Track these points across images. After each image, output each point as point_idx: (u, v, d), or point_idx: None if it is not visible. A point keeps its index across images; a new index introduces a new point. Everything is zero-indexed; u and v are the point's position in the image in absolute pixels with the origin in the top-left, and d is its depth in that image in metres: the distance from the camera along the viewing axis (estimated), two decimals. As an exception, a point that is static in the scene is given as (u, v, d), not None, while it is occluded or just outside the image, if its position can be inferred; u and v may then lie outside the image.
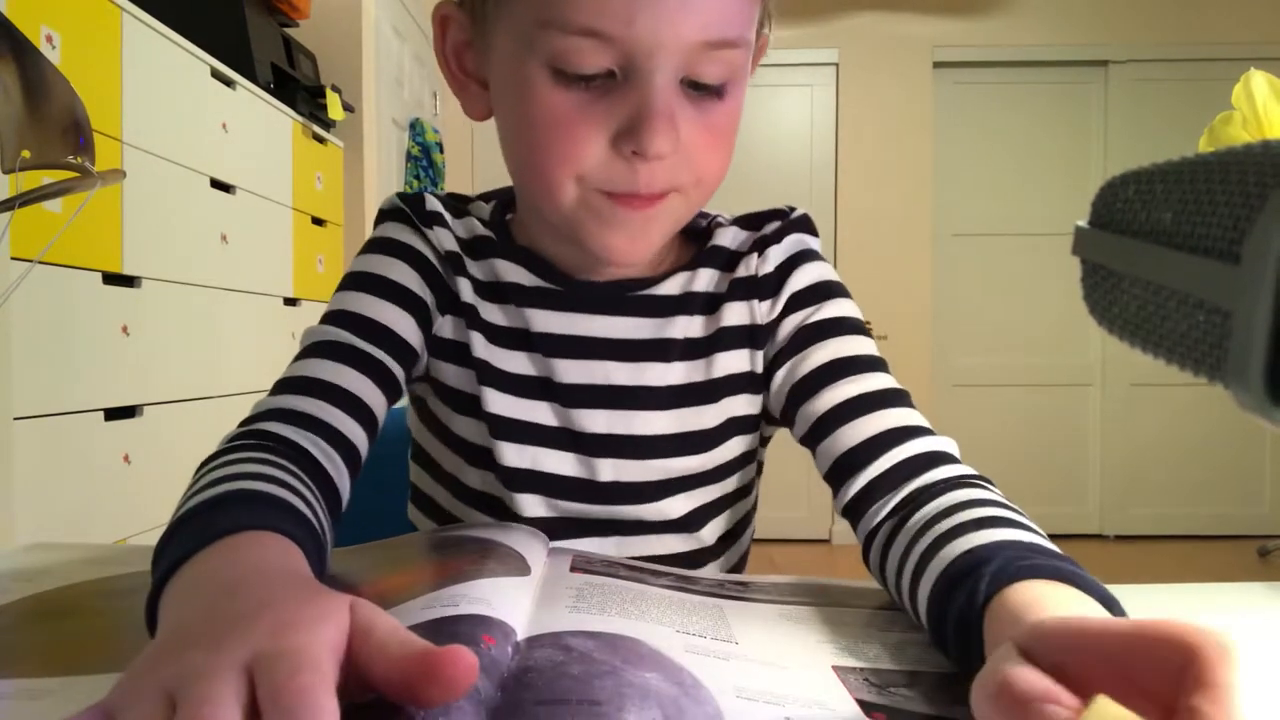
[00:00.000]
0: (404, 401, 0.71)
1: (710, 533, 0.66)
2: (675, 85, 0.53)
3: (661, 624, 0.42)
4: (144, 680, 0.28)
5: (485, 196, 0.69)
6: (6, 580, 0.54)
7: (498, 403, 0.62)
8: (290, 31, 2.60)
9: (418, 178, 3.31)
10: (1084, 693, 0.28)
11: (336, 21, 2.78)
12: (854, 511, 0.57)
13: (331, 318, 0.61)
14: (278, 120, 2.34)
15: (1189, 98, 3.89)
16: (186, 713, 0.26)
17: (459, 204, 0.68)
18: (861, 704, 0.36)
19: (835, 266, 0.68)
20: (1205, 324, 0.25)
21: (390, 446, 0.77)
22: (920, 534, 0.48)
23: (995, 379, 4.09)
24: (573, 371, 0.62)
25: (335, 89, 2.57)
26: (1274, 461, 3.99)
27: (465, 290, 0.63)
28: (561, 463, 0.62)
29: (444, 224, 0.64)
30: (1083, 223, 0.31)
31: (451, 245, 0.64)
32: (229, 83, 2.08)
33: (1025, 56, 3.99)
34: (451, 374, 0.64)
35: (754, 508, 0.71)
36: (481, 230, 0.65)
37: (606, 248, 0.57)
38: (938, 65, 4.00)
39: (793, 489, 3.68)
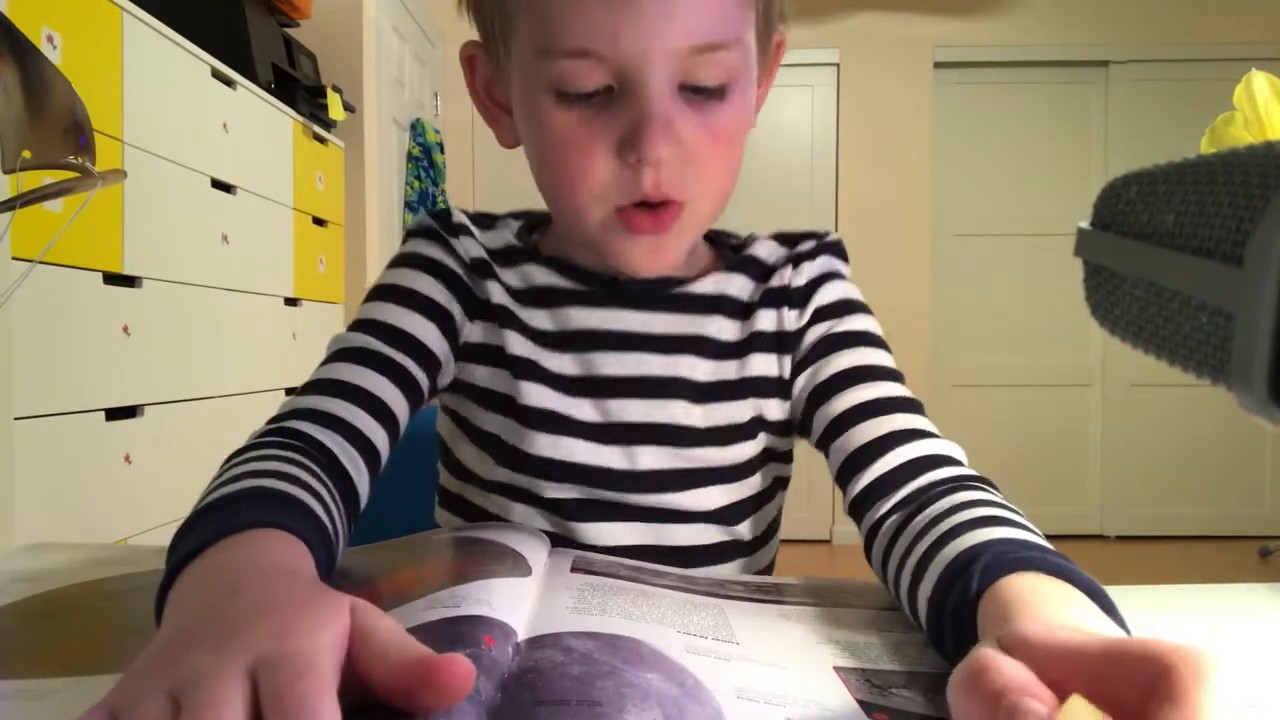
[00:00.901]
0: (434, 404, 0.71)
1: (746, 529, 0.67)
2: (672, 92, 0.55)
3: (662, 624, 0.42)
4: (147, 680, 0.29)
5: (514, 215, 0.72)
6: (6, 580, 0.54)
7: (534, 394, 0.63)
8: (291, 31, 2.60)
9: (418, 178, 3.31)
10: (1061, 698, 0.29)
11: (337, 21, 2.78)
12: (858, 507, 0.59)
13: (357, 326, 0.64)
14: (278, 120, 2.34)
15: (1189, 98, 3.89)
16: (191, 715, 0.26)
17: (486, 219, 0.70)
18: (862, 704, 0.36)
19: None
20: (1208, 325, 0.25)
21: (419, 455, 0.77)
22: (920, 536, 0.49)
23: (995, 379, 4.09)
24: (610, 364, 0.64)
25: (336, 89, 2.57)
26: (1274, 461, 3.99)
27: (497, 293, 0.65)
28: (597, 454, 0.63)
29: (470, 234, 0.67)
30: (1085, 224, 0.31)
31: (478, 252, 0.66)
32: (229, 83, 2.08)
33: (1025, 56, 3.99)
34: (483, 375, 0.65)
35: (780, 512, 0.73)
36: (511, 240, 0.68)
37: (629, 261, 0.60)
38: (938, 65, 4.00)
39: (793, 489, 3.61)
